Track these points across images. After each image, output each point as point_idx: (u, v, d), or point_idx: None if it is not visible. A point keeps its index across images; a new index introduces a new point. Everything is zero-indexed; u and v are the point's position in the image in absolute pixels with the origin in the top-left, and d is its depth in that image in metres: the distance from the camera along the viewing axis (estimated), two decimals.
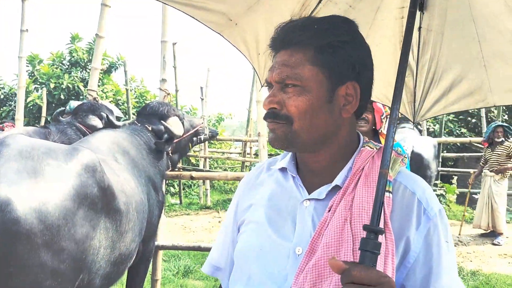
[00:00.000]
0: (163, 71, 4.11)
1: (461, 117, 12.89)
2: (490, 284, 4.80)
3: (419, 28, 1.43)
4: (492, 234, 6.98)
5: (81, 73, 12.47)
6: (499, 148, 6.88)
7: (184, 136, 3.54)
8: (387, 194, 0.92)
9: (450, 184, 9.51)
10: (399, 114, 1.13)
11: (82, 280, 2.07)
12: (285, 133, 0.99)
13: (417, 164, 5.87)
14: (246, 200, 1.15)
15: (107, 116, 3.51)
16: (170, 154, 3.52)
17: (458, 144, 11.16)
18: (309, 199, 1.01)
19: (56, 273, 1.85)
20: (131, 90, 11.67)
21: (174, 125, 3.31)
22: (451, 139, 10.27)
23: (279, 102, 0.98)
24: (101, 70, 12.51)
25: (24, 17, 4.48)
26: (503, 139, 6.86)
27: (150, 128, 3.24)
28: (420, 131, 8.55)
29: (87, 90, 4.26)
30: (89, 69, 12.49)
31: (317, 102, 0.96)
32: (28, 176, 1.86)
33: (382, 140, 3.01)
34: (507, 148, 6.78)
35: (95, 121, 3.86)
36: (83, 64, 12.48)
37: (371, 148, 1.04)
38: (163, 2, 1.38)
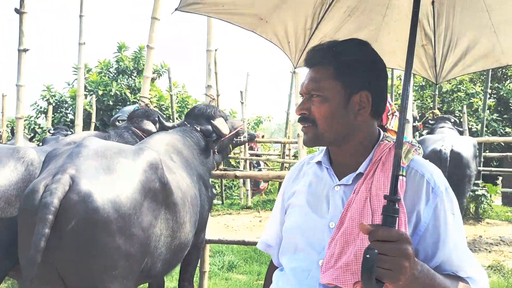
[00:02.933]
0: (208, 78, 4.42)
1: (505, 116, 12.58)
2: None
3: (432, 2, 1.63)
4: None
5: (127, 80, 13.07)
6: None
7: (229, 135, 3.82)
8: (400, 177, 1.13)
9: (495, 185, 9.35)
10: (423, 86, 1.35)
11: (146, 263, 2.37)
12: (313, 134, 1.28)
13: (456, 163, 5.89)
14: (291, 189, 1.44)
15: (159, 119, 3.83)
16: (216, 153, 3.82)
17: (502, 143, 10.93)
18: (339, 185, 1.28)
19: (128, 255, 2.16)
20: (171, 95, 12.15)
21: (221, 125, 3.59)
22: (493, 138, 10.06)
23: (307, 109, 1.28)
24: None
25: (82, 31, 4.91)
26: None
27: (198, 129, 3.54)
28: (462, 132, 8.49)
29: (139, 96, 4.62)
30: (135, 77, 13.14)
31: (335, 108, 1.25)
32: (104, 172, 2.18)
33: (389, 135, 3.23)
34: None
35: (149, 125, 4.21)
36: (129, 72, 13.07)
37: (388, 141, 1.29)
38: (202, 14, 1.68)
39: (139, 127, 4.17)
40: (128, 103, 12.34)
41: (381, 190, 1.18)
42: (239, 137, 4.06)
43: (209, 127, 3.55)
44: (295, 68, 1.95)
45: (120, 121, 4.21)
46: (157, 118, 4.01)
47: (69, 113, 13.41)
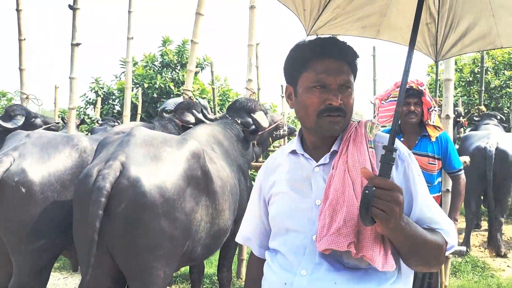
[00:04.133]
0: (249, 72, 4.53)
1: None
2: None
3: None
4: None
5: (171, 73, 13.42)
6: None
7: (268, 128, 3.92)
8: (371, 150, 1.35)
9: None
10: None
11: (188, 246, 2.52)
12: (342, 124, 1.38)
13: (502, 160, 5.72)
14: (268, 180, 1.53)
15: (202, 112, 3.99)
16: (255, 145, 3.93)
17: None
18: (318, 166, 1.41)
19: (172, 238, 2.31)
20: (213, 88, 12.37)
21: (261, 118, 3.70)
22: None
23: (341, 99, 1.36)
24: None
25: (130, 26, 5.15)
26: None
27: (239, 121, 3.67)
28: (509, 128, 8.21)
29: (183, 90, 4.80)
30: (179, 70, 13.48)
31: (353, 101, 1.40)
32: (150, 159, 2.34)
33: (429, 131, 3.24)
34: None
35: (189, 117, 4.40)
36: (173, 66, 13.40)
37: (352, 121, 1.45)
38: None
39: (181, 119, 4.37)
40: (172, 95, 12.67)
41: (356, 161, 1.32)
42: (278, 131, 4.15)
43: (249, 120, 3.67)
44: (307, 35, 2.01)
45: (167, 112, 4.40)
46: (194, 112, 4.17)
47: (116, 104, 13.92)
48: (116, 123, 9.60)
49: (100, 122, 9.87)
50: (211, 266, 4.82)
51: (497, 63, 13.36)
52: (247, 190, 3.49)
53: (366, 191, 1.13)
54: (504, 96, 12.12)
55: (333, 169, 1.35)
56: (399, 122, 3.27)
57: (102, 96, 13.52)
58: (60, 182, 2.70)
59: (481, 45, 1.82)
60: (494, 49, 1.89)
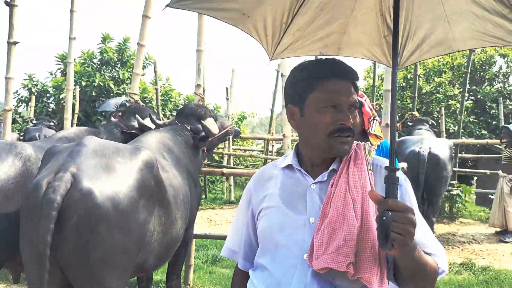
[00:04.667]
0: (198, 78, 4.53)
1: (481, 118, 12.98)
2: (499, 279, 5.07)
3: None
4: (504, 232, 7.22)
5: (111, 72, 13.01)
6: (508, 149, 7.12)
7: (218, 135, 3.95)
8: (370, 172, 1.37)
9: (470, 185, 9.70)
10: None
11: (140, 257, 2.49)
12: (351, 143, 1.40)
13: (434, 165, 6.15)
14: (259, 193, 1.52)
15: (150, 117, 3.93)
16: (205, 151, 3.94)
17: (478, 145, 11.31)
18: (315, 183, 1.40)
19: (125, 250, 2.28)
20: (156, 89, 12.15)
21: (211, 125, 3.71)
22: (468, 140, 10.45)
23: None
24: (131, 69, 13.07)
25: (73, 26, 4.95)
26: (510, 139, 7.05)
27: (189, 128, 3.66)
28: (439, 133, 8.78)
29: (129, 93, 4.69)
30: (119, 68, 13.08)
31: None
32: (103, 170, 2.29)
33: (371, 140, 3.47)
34: None
35: (134, 122, 4.30)
36: (113, 64, 13.01)
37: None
38: (192, 10, 1.83)
39: (127, 124, 4.27)
40: (111, 94, 12.31)
41: (357, 182, 1.33)
42: (228, 136, 4.19)
43: (199, 126, 3.67)
44: (270, 60, 2.07)
45: (109, 115, 4.29)
46: (138, 117, 4.10)
47: (51, 103, 13.28)
48: (51, 123, 9.15)
49: (34, 121, 9.35)
50: (157, 273, 4.76)
51: (428, 70, 14.22)
52: (197, 197, 3.50)
53: (384, 218, 1.11)
54: (434, 101, 12.94)
55: (331, 187, 1.35)
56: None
57: (36, 94, 12.85)
58: (2, 192, 2.57)
59: (439, 51, 1.92)
60: (451, 53, 1.96)
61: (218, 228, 7.58)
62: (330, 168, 1.41)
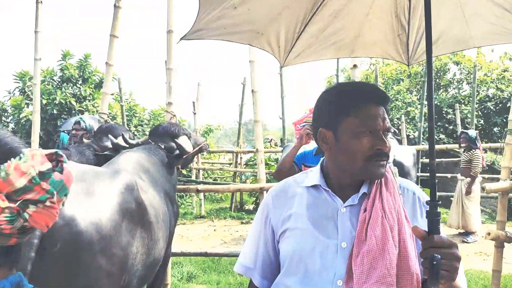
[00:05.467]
0: (169, 95, 4.54)
1: (439, 123, 13.55)
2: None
3: None
4: (465, 233, 7.57)
5: (72, 88, 12.75)
6: (465, 153, 7.52)
7: (192, 152, 3.97)
8: (400, 197, 1.37)
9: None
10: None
11: (124, 280, 2.49)
12: (385, 166, 1.38)
13: (398, 171, 6.38)
14: (281, 211, 1.46)
15: (123, 136, 3.91)
16: (180, 169, 3.96)
17: (438, 150, 11.79)
18: (345, 206, 1.37)
19: (109, 274, 2.27)
20: (121, 105, 11.97)
21: (184, 143, 3.74)
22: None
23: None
24: (93, 85, 12.85)
25: (38, 47, 4.86)
26: (469, 144, 7.44)
27: (163, 146, 3.67)
28: (401, 140, 9.12)
29: (98, 113, 4.65)
30: (80, 85, 12.84)
31: None
32: (84, 196, 2.28)
33: None
34: (470, 154, 7.39)
35: (107, 142, 4.26)
36: (74, 81, 12.76)
37: None
38: (207, 39, 1.83)
39: (99, 145, 4.23)
40: (73, 111, 12.06)
41: (392, 208, 1.33)
42: (202, 152, 4.22)
43: (173, 145, 3.69)
44: (282, 66, 2.10)
45: (81, 136, 4.23)
46: (111, 137, 4.06)
47: (10, 122, 12.86)
48: None
49: None
50: None
51: (386, 78, 14.75)
52: (174, 215, 3.51)
53: (434, 262, 1.11)
54: (394, 109, 13.42)
55: (364, 211, 1.33)
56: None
57: None
58: None
59: (455, 47, 2.00)
60: (467, 49, 2.02)
61: (190, 243, 7.53)
62: (361, 192, 1.39)
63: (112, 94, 11.56)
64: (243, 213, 10.44)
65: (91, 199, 2.29)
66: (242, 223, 9.37)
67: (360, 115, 1.36)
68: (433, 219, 1.20)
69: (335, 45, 2.03)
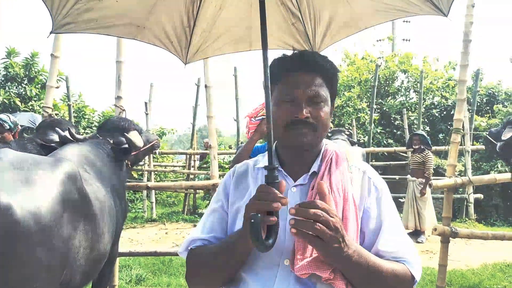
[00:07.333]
0: (118, 90, 4.40)
1: (388, 129, 14.02)
2: None
3: None
4: (417, 233, 7.82)
5: (17, 88, 12.16)
6: (417, 155, 7.79)
7: (143, 148, 3.85)
8: (350, 174, 1.36)
9: None
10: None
11: (65, 275, 2.35)
12: (312, 138, 1.34)
13: None
14: (240, 192, 1.44)
15: (69, 130, 3.73)
16: (130, 166, 3.83)
17: (386, 153, 12.17)
18: (295, 186, 1.37)
19: (49, 268, 2.13)
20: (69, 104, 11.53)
21: (135, 138, 3.61)
22: (378, 149, 11.23)
23: (309, 113, 1.32)
24: (39, 85, 12.29)
25: None
26: (421, 146, 7.74)
27: (111, 141, 3.53)
28: (354, 143, 9.33)
29: (42, 106, 4.43)
30: (25, 85, 12.26)
31: (328, 115, 1.38)
32: (22, 184, 2.14)
33: None
34: (423, 156, 7.68)
35: (54, 136, 4.07)
36: (19, 80, 12.17)
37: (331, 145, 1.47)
38: (79, 33, 1.74)
39: (43, 138, 4.01)
40: (18, 112, 11.48)
41: (340, 185, 1.31)
42: (154, 150, 4.10)
43: (122, 139, 3.56)
44: (185, 64, 2.01)
45: (21, 131, 4.02)
46: (58, 130, 3.88)
47: None
48: None
49: None
50: None
51: (338, 85, 15.10)
52: (122, 211, 3.38)
53: (252, 220, 1.10)
54: (345, 114, 13.74)
55: (312, 189, 1.32)
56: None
57: None
58: None
59: (348, 31, 1.93)
60: (359, 31, 1.95)
61: (140, 247, 7.31)
62: (311, 171, 1.38)
63: (58, 88, 11.12)
64: (196, 216, 10.28)
65: (30, 188, 2.15)
66: (195, 226, 9.22)
67: (283, 83, 1.37)
68: (270, 184, 1.20)
69: (231, 38, 1.97)
